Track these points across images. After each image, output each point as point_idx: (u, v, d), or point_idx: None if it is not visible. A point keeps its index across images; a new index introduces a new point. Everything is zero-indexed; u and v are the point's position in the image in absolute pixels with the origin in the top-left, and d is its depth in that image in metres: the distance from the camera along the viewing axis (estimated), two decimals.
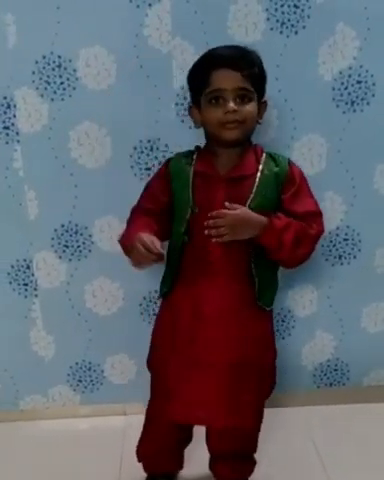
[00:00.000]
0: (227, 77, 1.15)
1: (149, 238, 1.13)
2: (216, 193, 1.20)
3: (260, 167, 1.22)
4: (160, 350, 1.31)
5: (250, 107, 1.18)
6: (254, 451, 1.40)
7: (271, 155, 1.26)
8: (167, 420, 1.28)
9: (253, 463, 1.41)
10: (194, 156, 1.27)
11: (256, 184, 1.21)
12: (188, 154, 1.29)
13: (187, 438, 1.41)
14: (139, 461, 1.42)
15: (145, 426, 1.40)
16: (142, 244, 1.12)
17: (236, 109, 1.15)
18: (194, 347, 1.23)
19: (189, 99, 1.28)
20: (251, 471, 1.41)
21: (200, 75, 1.19)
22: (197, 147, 1.30)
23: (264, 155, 1.25)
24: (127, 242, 1.20)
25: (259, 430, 1.37)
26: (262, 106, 1.24)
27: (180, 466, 1.43)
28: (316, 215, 1.27)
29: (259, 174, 1.21)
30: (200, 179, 1.23)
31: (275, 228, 1.18)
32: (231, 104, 1.15)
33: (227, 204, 1.17)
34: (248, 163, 1.23)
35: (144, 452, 1.41)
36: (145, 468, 1.43)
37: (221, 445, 1.36)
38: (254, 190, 1.20)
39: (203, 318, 1.22)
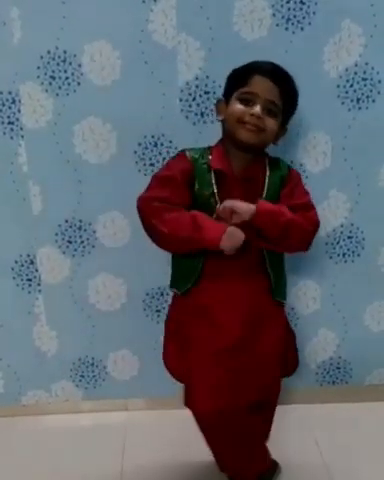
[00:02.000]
0: (266, 86, 1.21)
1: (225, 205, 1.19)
2: (234, 191, 1.24)
3: (267, 170, 1.29)
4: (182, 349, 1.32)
5: (274, 121, 1.23)
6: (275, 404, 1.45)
7: (273, 159, 1.33)
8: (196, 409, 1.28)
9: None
10: (209, 153, 1.28)
11: (267, 184, 1.28)
12: (202, 151, 1.30)
13: None
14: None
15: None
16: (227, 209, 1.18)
17: (261, 116, 1.20)
18: (221, 338, 1.25)
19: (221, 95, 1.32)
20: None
21: (242, 75, 1.23)
22: (209, 146, 1.32)
23: (267, 160, 1.32)
24: (186, 232, 1.20)
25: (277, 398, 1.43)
26: (282, 130, 1.30)
27: None
28: (310, 206, 1.32)
29: (268, 175, 1.29)
30: (219, 177, 1.26)
31: (266, 206, 1.20)
32: (258, 109, 1.20)
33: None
34: (257, 166, 1.29)
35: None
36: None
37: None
38: (266, 189, 1.27)
39: (226, 316, 1.26)
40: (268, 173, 1.29)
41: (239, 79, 1.24)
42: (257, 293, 1.30)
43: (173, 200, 1.23)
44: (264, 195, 1.27)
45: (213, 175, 1.25)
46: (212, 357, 1.25)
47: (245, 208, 1.18)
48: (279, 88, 1.21)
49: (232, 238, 1.19)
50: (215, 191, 1.25)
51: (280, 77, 1.22)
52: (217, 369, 1.24)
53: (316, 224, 1.30)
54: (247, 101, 1.21)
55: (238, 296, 1.28)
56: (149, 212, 1.23)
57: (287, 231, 1.21)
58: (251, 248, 1.25)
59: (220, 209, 1.20)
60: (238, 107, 1.22)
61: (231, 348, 1.25)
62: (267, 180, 1.28)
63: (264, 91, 1.20)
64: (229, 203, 1.19)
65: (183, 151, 1.30)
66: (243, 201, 1.20)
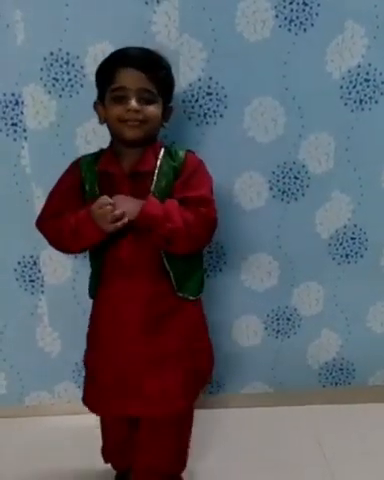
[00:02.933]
0: (132, 76, 1.16)
1: (98, 201, 1.15)
2: (122, 190, 1.20)
3: (158, 163, 1.23)
4: (92, 349, 1.34)
5: (153, 108, 1.18)
6: (182, 469, 1.40)
7: (169, 150, 1.26)
8: (105, 414, 1.36)
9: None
10: (100, 156, 1.27)
11: (156, 177, 1.21)
12: (94, 154, 1.29)
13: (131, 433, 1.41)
14: (105, 462, 1.46)
15: (101, 426, 1.44)
16: (99, 206, 1.14)
17: (138, 109, 1.16)
18: (116, 345, 1.26)
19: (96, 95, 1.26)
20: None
21: (106, 71, 1.19)
22: (105, 148, 1.30)
23: (162, 151, 1.25)
24: (69, 227, 1.19)
25: (188, 440, 1.37)
26: (168, 110, 1.26)
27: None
28: (206, 201, 1.22)
29: (157, 169, 1.22)
30: (106, 178, 1.23)
31: (149, 210, 1.16)
32: (133, 103, 1.16)
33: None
34: (147, 159, 1.23)
35: (106, 451, 1.45)
36: (114, 467, 1.47)
37: (149, 455, 1.34)
38: (153, 184, 1.21)
39: (122, 318, 1.24)
40: (158, 165, 1.22)
41: (105, 76, 1.20)
42: (151, 293, 1.24)
43: (65, 211, 1.23)
44: (152, 189, 1.20)
45: (99, 177, 1.23)
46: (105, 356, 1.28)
47: (129, 206, 1.16)
48: (146, 74, 1.16)
49: (101, 218, 1.15)
50: (97, 192, 1.21)
51: (144, 61, 1.17)
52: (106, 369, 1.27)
53: (210, 223, 1.22)
54: (120, 98, 1.17)
55: (139, 294, 1.23)
56: (47, 231, 1.27)
57: (171, 239, 1.17)
58: (148, 246, 1.21)
59: (94, 205, 1.16)
60: (114, 107, 1.18)
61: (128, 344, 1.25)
62: (156, 172, 1.21)
63: (132, 82, 1.15)
64: (103, 199, 1.15)
65: (79, 158, 1.29)
66: (131, 198, 1.18)
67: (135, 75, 1.15)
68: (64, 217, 1.22)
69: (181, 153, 1.25)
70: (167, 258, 1.23)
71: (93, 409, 1.34)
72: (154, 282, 1.24)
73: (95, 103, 1.25)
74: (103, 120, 1.24)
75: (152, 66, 1.18)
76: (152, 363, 1.25)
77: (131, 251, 1.22)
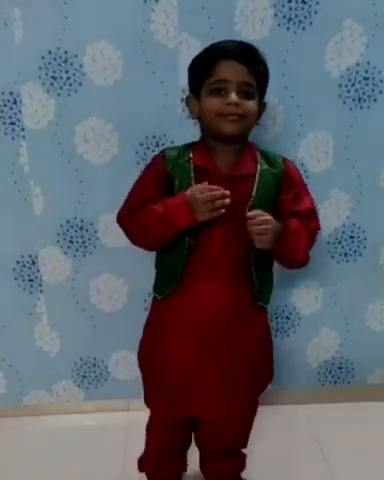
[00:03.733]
0: (233, 69, 1.12)
1: (200, 186, 1.11)
2: None
3: (258, 167, 1.19)
4: (159, 350, 1.28)
5: (252, 103, 1.14)
6: (244, 446, 1.40)
7: (265, 154, 1.23)
8: (177, 416, 1.29)
9: (244, 457, 1.42)
10: (191, 151, 1.20)
11: (256, 185, 1.17)
12: (183, 148, 1.22)
13: (189, 440, 1.40)
14: (142, 471, 1.42)
15: (149, 435, 1.39)
16: (201, 191, 1.09)
17: (238, 102, 1.11)
18: (192, 347, 1.21)
19: (187, 89, 1.24)
20: (243, 466, 1.42)
21: (205, 64, 1.15)
22: (192, 143, 1.25)
23: (258, 154, 1.22)
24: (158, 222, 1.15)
25: (251, 426, 1.37)
26: (262, 107, 1.21)
27: (185, 468, 1.44)
28: (314, 213, 1.26)
29: (258, 174, 1.18)
30: (201, 176, 1.16)
31: (294, 226, 1.18)
32: (233, 96, 1.11)
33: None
34: (247, 162, 1.19)
35: (150, 461, 1.40)
36: (153, 477, 1.41)
37: (214, 441, 1.35)
38: (255, 191, 1.17)
39: (206, 319, 1.20)
40: (259, 170, 1.18)
41: (203, 69, 1.15)
42: (236, 299, 1.21)
43: (147, 204, 1.19)
44: (253, 196, 1.16)
45: (194, 173, 1.17)
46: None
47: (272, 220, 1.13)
48: (247, 67, 1.12)
49: (196, 203, 1.10)
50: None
51: (245, 54, 1.13)
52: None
53: (317, 233, 1.26)
54: (219, 90, 1.12)
55: (222, 297, 1.20)
56: (129, 224, 1.23)
57: (291, 254, 1.19)
58: (238, 252, 1.18)
59: (194, 189, 1.11)
60: (212, 100, 1.13)
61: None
62: (257, 179, 1.17)
63: (233, 75, 1.11)
64: (205, 185, 1.11)
65: (163, 151, 1.24)
66: (254, 212, 1.13)
67: (237, 68, 1.11)
68: (148, 208, 1.17)
69: (279, 159, 1.22)
70: (255, 266, 1.20)
71: (159, 410, 1.31)
72: (238, 286, 1.21)
73: (188, 97, 1.21)
74: (196, 115, 1.20)
75: (253, 59, 1.14)
76: (225, 367, 1.22)
77: (221, 251, 1.18)
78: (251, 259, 1.20)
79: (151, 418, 1.37)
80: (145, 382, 1.34)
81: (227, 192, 1.09)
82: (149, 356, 1.31)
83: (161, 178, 1.20)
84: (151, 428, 1.38)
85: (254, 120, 1.18)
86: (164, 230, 1.15)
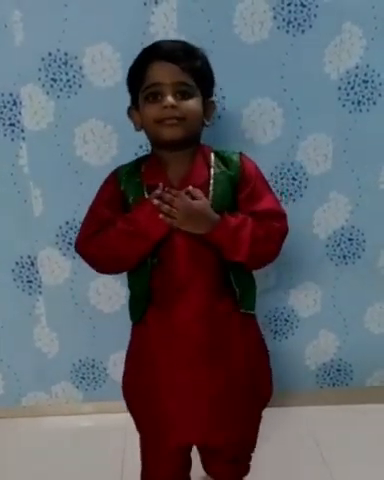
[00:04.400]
0: (164, 70, 1.04)
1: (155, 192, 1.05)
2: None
3: (212, 171, 1.11)
4: (144, 378, 1.19)
5: (192, 103, 1.06)
6: (251, 452, 1.36)
7: (220, 155, 1.14)
8: (168, 446, 1.21)
9: (249, 460, 1.38)
10: (142, 166, 1.14)
11: (212, 191, 1.09)
12: (134, 165, 1.16)
13: (189, 464, 1.34)
14: None
15: (144, 459, 1.31)
16: (157, 197, 1.04)
17: (175, 104, 1.03)
18: (180, 371, 1.13)
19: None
20: (247, 470, 1.38)
21: (136, 71, 1.09)
22: (144, 156, 1.20)
23: (212, 156, 1.13)
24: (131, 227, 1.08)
25: (256, 438, 1.32)
26: (209, 106, 1.13)
27: None
28: (277, 213, 1.14)
29: (212, 180, 1.10)
30: (153, 190, 1.08)
31: (229, 225, 1.07)
32: (169, 98, 1.03)
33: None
34: (199, 169, 1.11)
35: None
36: None
37: (218, 457, 1.31)
38: (210, 197, 1.09)
39: (188, 344, 1.12)
40: (212, 175, 1.10)
41: (135, 77, 1.09)
42: (214, 313, 1.13)
43: (106, 227, 1.13)
44: (209, 203, 1.07)
45: (146, 191, 1.10)
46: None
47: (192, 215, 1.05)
48: (180, 65, 1.04)
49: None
50: None
51: (173, 52, 1.05)
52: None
53: (284, 237, 1.14)
54: (155, 95, 1.05)
55: (200, 314, 1.11)
56: (91, 250, 1.15)
57: (226, 251, 1.09)
58: (208, 266, 1.11)
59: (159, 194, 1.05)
60: (150, 107, 1.06)
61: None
62: (212, 185, 1.09)
63: (165, 76, 1.03)
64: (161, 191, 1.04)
65: (116, 170, 1.17)
66: (191, 187, 1.06)
67: (168, 68, 1.04)
68: (108, 229, 1.10)
69: (235, 158, 1.13)
70: (235, 275, 1.13)
71: (155, 440, 1.22)
72: (216, 299, 1.12)
73: (129, 109, 1.15)
74: (139, 126, 1.14)
75: (185, 56, 1.06)
76: (217, 388, 1.14)
77: (188, 265, 1.10)
78: (228, 266, 1.12)
79: (145, 447, 1.30)
80: (133, 414, 1.26)
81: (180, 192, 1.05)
82: (134, 389, 1.23)
83: (115, 199, 1.14)
84: (147, 457, 1.30)
85: (198, 121, 1.10)
86: (140, 245, 1.09)
